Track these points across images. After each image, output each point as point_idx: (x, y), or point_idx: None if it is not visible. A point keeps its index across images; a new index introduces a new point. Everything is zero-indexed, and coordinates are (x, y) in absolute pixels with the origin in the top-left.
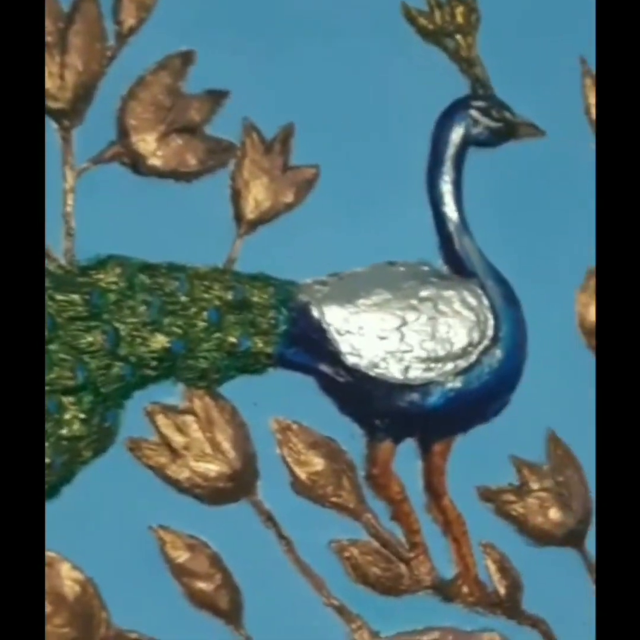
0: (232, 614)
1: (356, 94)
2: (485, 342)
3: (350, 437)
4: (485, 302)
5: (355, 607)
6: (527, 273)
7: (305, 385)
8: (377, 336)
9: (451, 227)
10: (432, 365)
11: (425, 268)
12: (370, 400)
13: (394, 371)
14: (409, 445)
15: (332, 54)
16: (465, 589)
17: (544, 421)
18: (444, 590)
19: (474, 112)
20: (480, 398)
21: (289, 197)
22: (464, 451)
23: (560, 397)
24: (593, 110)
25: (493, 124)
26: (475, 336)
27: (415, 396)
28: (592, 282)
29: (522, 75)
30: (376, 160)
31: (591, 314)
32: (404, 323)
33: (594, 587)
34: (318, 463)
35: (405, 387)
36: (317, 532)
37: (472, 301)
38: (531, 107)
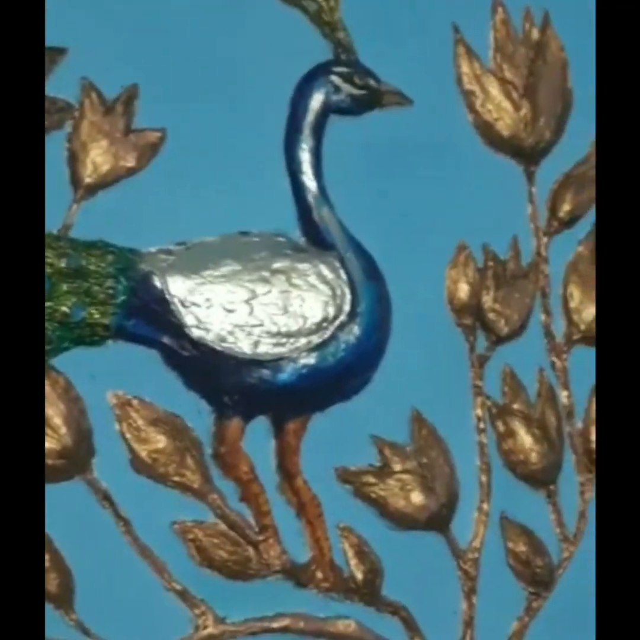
0: (62, 598)
1: (210, 56)
2: (342, 318)
3: (197, 413)
4: (343, 275)
5: (199, 591)
6: (394, 247)
7: (148, 358)
8: (225, 309)
9: (310, 197)
10: (284, 340)
11: (281, 239)
12: (217, 376)
13: (242, 346)
14: (262, 423)
15: (182, 12)
16: (319, 574)
17: (408, 400)
18: (296, 575)
19: (335, 79)
20: (336, 375)
21: (130, 162)
22: (321, 431)
23: (427, 376)
24: (465, 80)
25: (355, 91)
26: (331, 311)
27: (265, 372)
28: (462, 258)
29: (390, 42)
30: (229, 126)
31: (461, 291)
32: (254, 296)
33: (460, 573)
34: (159, 440)
35: (255, 362)
36: (158, 512)
37: (329, 274)
38: (399, 75)
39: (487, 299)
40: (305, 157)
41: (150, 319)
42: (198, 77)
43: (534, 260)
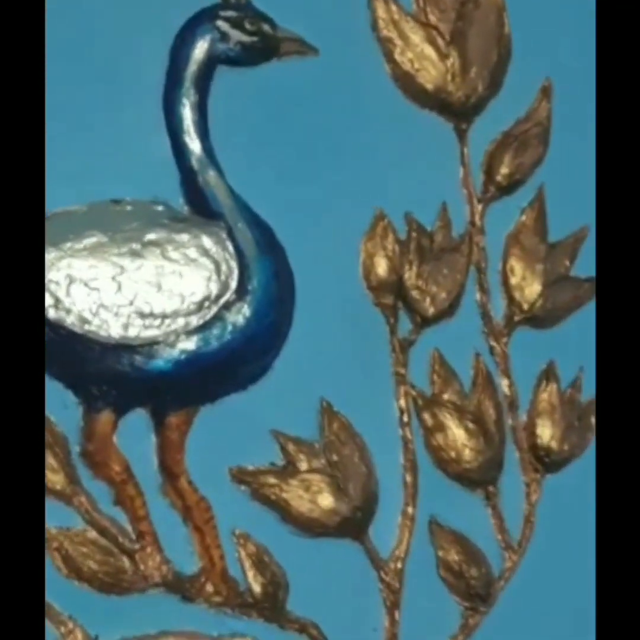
0: None
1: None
2: (228, 296)
3: (63, 406)
4: (230, 248)
5: (66, 607)
6: (298, 217)
7: None
8: (88, 286)
9: (193, 160)
10: (157, 321)
11: (159, 208)
12: (81, 363)
13: (109, 328)
14: (140, 416)
15: None
16: (209, 587)
17: (316, 390)
18: (182, 588)
19: (221, 24)
20: (223, 362)
21: None
22: (212, 425)
23: (339, 362)
24: (381, 25)
25: (246, 38)
26: (214, 288)
27: (137, 358)
28: (380, 228)
29: None
30: (98, 80)
31: (378, 266)
32: (122, 271)
33: (380, 585)
34: None
35: (124, 347)
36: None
37: (212, 247)
38: (303, 20)
39: (410, 275)
40: (187, 113)
41: None
42: (62, 26)
43: (466, 230)
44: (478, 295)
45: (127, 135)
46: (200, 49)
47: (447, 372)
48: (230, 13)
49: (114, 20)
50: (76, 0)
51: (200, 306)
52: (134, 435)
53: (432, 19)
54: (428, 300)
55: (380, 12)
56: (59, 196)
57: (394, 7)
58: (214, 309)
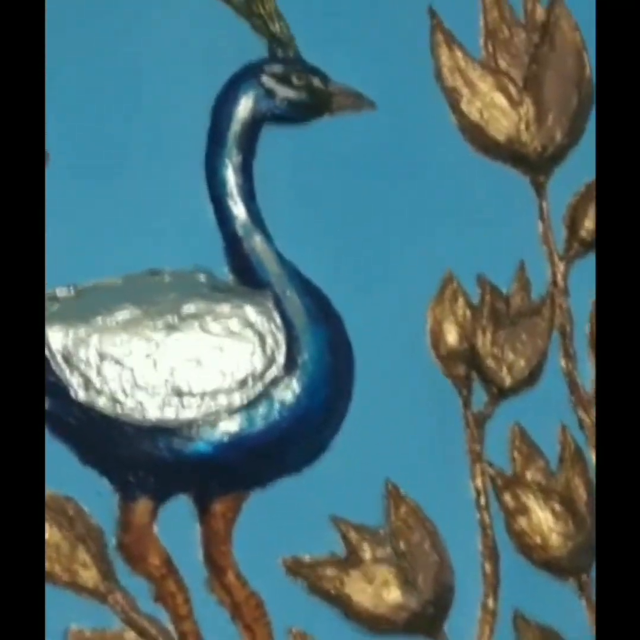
0: None
1: (112, 57)
2: (275, 371)
3: (97, 495)
4: (277, 318)
5: None
6: (356, 282)
7: None
8: (121, 365)
9: (237, 226)
10: (196, 401)
11: (201, 277)
12: (115, 448)
13: (143, 410)
14: (183, 504)
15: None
16: None
17: (381, 472)
18: None
19: (266, 80)
20: (272, 443)
21: None
22: (263, 512)
23: (406, 440)
24: (445, 73)
25: (294, 94)
26: (259, 363)
27: (175, 441)
28: (449, 292)
29: (347, 32)
30: (137, 142)
31: (448, 333)
32: (157, 347)
33: None
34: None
35: (161, 430)
36: (50, 619)
37: (256, 318)
38: (359, 73)
39: (484, 342)
40: (230, 176)
41: None
42: (100, 81)
43: (547, 291)
44: (563, 362)
45: (167, 200)
46: (243, 107)
47: (529, 448)
48: (276, 68)
49: (154, 78)
50: (114, 58)
51: (243, 383)
52: (176, 525)
53: (503, 64)
54: (505, 369)
55: (445, 59)
56: (94, 267)
57: (459, 54)
58: (259, 386)
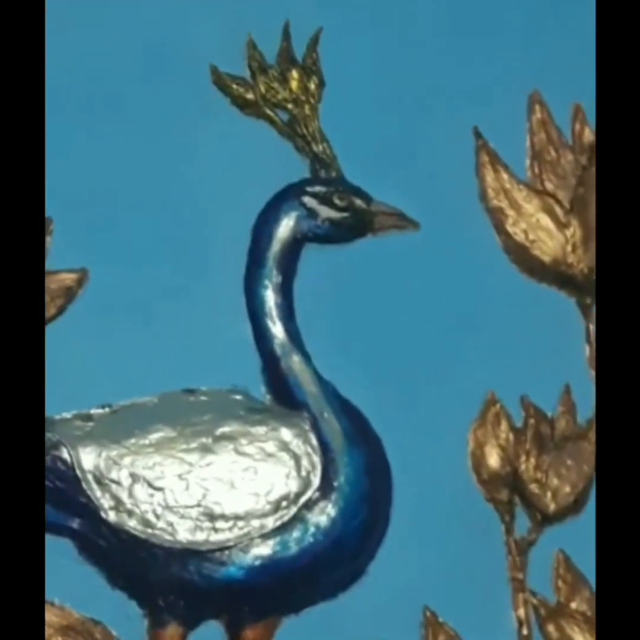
0: None
1: (158, 176)
2: (310, 494)
3: (126, 618)
4: (314, 440)
5: None
6: (397, 403)
7: (60, 549)
8: (152, 486)
9: (275, 345)
10: (229, 524)
11: (237, 397)
12: (145, 571)
13: (174, 532)
14: (214, 630)
15: (130, 129)
16: None
17: (419, 598)
18: None
19: (308, 200)
20: (306, 568)
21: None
22: (298, 638)
23: (445, 567)
24: (490, 194)
25: (336, 215)
26: (294, 486)
27: (206, 565)
28: (491, 414)
29: (393, 152)
30: (180, 256)
31: (490, 457)
32: (190, 468)
33: None
34: None
35: (192, 553)
36: None
37: (292, 440)
38: (404, 193)
39: (527, 467)
40: (269, 295)
41: (58, 501)
42: (145, 204)
43: (594, 415)
44: None
45: (205, 319)
46: (285, 228)
47: (574, 577)
48: (318, 188)
49: (198, 198)
50: (159, 176)
51: (277, 506)
52: None
53: (549, 186)
54: (549, 495)
55: (489, 180)
56: (131, 385)
57: (504, 175)
58: (294, 509)
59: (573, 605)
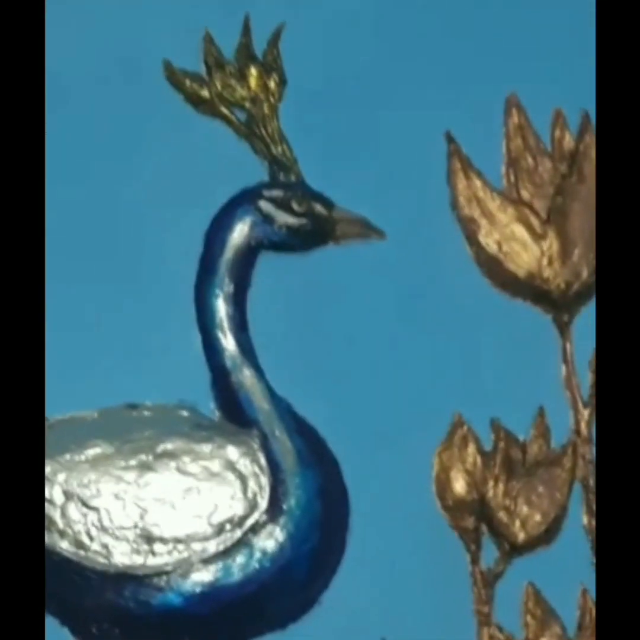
0: None
1: (104, 175)
2: (256, 517)
3: None
4: (262, 460)
5: None
6: (357, 424)
7: None
8: (86, 505)
9: (225, 358)
10: (168, 547)
11: (184, 413)
12: (78, 596)
13: (109, 555)
14: None
15: (75, 124)
16: None
17: (376, 632)
18: None
19: (265, 205)
20: (251, 596)
21: None
22: None
23: (405, 599)
24: (462, 203)
25: (293, 221)
26: (239, 508)
27: (143, 591)
28: (458, 437)
29: (357, 155)
30: (125, 261)
31: (456, 482)
32: (128, 487)
33: None
34: None
35: (127, 577)
36: None
37: (239, 459)
38: (369, 199)
39: (495, 493)
40: (219, 305)
41: None
42: (85, 207)
43: (569, 440)
44: (585, 519)
45: (152, 329)
46: (239, 234)
47: (544, 611)
48: (276, 192)
49: (145, 200)
50: (108, 175)
51: (220, 529)
52: None
53: (525, 195)
54: (518, 523)
55: (461, 188)
56: (69, 399)
57: (478, 183)
58: (238, 533)
59: None
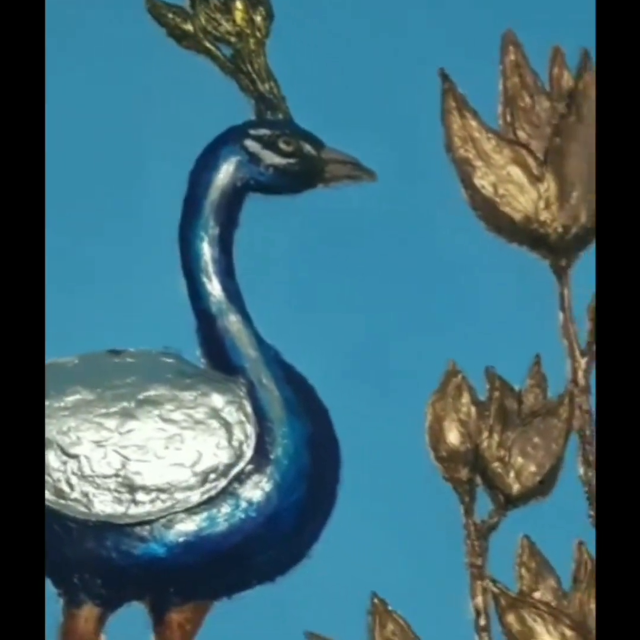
0: None
1: (85, 113)
2: (241, 466)
3: None
4: (248, 408)
5: None
6: (347, 370)
7: None
8: (66, 453)
9: (211, 303)
10: (150, 496)
11: (168, 360)
12: (59, 546)
13: (89, 504)
14: (137, 613)
15: (57, 59)
16: None
17: (366, 585)
18: None
19: (251, 144)
20: (236, 547)
21: None
22: (230, 624)
23: (397, 551)
24: (456, 143)
25: (281, 161)
26: (224, 457)
27: (125, 541)
28: (452, 386)
29: (348, 94)
30: (110, 201)
31: (449, 432)
32: (109, 435)
33: None
34: None
35: (109, 527)
36: None
37: (224, 407)
38: (361, 139)
39: (489, 444)
40: (204, 249)
41: None
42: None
43: (566, 390)
44: (581, 470)
45: (137, 272)
46: (224, 174)
47: (539, 564)
48: (262, 131)
49: (126, 136)
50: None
51: (205, 478)
52: (127, 636)
53: (522, 135)
54: (512, 474)
55: (456, 128)
56: (50, 348)
57: (473, 123)
58: (223, 482)
59: (536, 594)
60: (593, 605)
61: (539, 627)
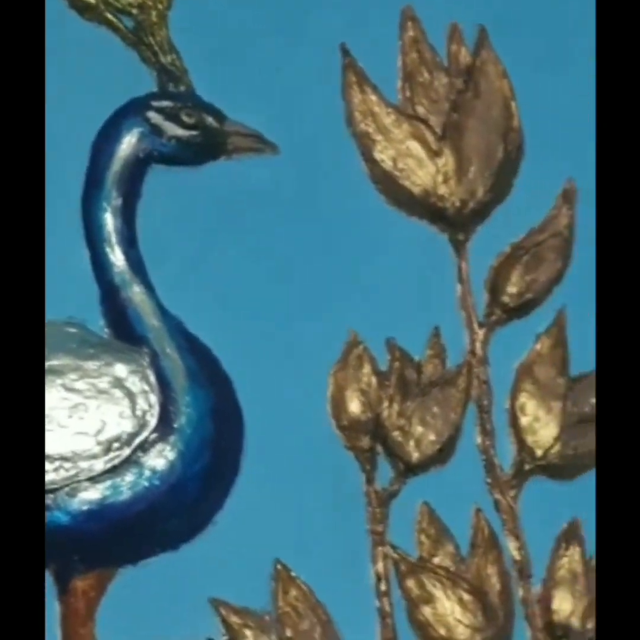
0: None
1: None
2: (145, 435)
3: None
4: (152, 378)
5: None
6: (251, 341)
7: None
8: None
9: (114, 274)
10: (54, 465)
11: (72, 330)
12: None
13: None
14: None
15: None
16: None
17: (269, 551)
18: None
19: (153, 115)
20: (140, 515)
21: None
22: (134, 592)
23: (299, 518)
24: (357, 118)
25: (183, 133)
26: (128, 426)
27: None
28: (353, 357)
29: (250, 66)
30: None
31: (351, 402)
32: None
33: None
34: None
35: None
36: None
37: (128, 377)
38: (262, 111)
39: (390, 413)
40: (107, 219)
41: None
42: None
43: (464, 360)
44: (479, 439)
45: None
46: (126, 145)
47: (438, 530)
48: (165, 103)
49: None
50: None
51: (108, 447)
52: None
53: (421, 110)
54: (412, 443)
55: (356, 102)
56: None
57: (373, 97)
58: (127, 451)
59: (436, 560)
60: (490, 570)
61: (437, 592)
